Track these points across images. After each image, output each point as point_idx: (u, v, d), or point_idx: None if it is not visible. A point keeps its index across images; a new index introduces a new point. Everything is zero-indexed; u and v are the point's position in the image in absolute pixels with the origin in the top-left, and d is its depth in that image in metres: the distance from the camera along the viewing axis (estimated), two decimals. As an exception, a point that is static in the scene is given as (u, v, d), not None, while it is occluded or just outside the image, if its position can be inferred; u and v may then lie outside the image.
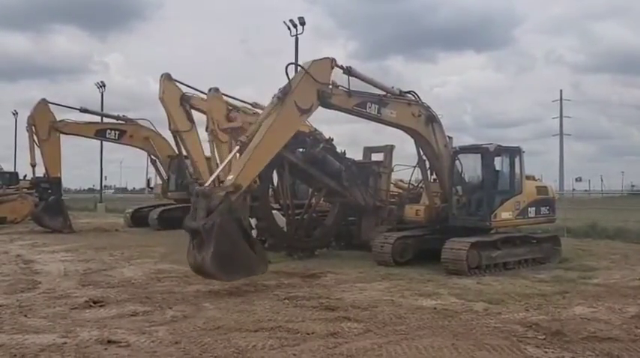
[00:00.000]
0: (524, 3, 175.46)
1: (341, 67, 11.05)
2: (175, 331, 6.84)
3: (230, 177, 9.40)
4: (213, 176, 9.70)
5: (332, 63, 10.79)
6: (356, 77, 11.32)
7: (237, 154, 10.30)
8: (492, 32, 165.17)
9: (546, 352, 6.05)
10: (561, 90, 75.77)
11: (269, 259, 10.35)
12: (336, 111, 11.24)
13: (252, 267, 9.36)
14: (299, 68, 10.56)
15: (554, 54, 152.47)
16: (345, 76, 11.14)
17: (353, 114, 11.54)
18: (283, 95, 10.09)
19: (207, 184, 9.33)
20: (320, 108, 10.74)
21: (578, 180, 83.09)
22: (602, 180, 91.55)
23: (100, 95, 44.75)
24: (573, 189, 65.67)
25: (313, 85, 10.41)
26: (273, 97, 10.39)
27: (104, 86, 44.94)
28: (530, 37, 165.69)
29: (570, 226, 20.07)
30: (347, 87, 11.05)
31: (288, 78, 10.19)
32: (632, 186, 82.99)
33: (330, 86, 10.77)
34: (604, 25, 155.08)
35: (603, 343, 6.33)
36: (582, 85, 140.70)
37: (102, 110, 36.35)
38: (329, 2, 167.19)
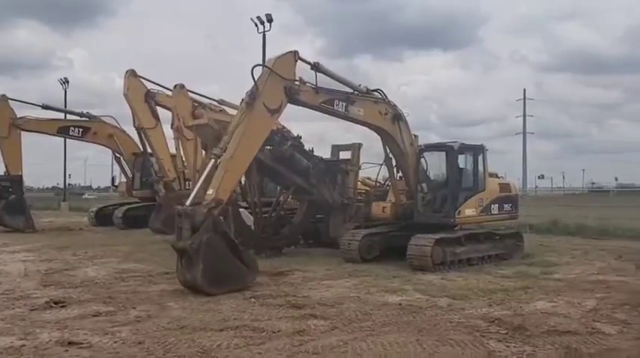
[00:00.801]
0: (489, 3, 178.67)
1: (307, 62, 11.05)
2: (139, 331, 6.74)
3: (210, 192, 9.47)
4: (193, 194, 9.63)
5: (295, 56, 10.75)
6: (323, 73, 11.32)
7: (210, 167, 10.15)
8: (458, 32, 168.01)
9: (508, 346, 6.16)
10: (525, 90, 76.82)
11: None
12: (306, 110, 11.25)
13: (243, 278, 9.48)
14: (264, 68, 10.50)
15: (518, 54, 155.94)
16: (313, 73, 11.12)
17: (320, 112, 11.55)
18: (251, 99, 10.03)
19: (187, 203, 9.37)
20: (288, 105, 10.72)
21: (541, 177, 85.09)
22: (563, 178, 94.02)
23: (63, 92, 43.65)
24: (536, 187, 67.22)
25: (280, 82, 10.37)
26: (241, 103, 10.36)
27: (67, 82, 43.78)
28: (495, 37, 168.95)
29: (533, 223, 20.52)
30: (314, 83, 11.06)
31: (254, 80, 10.12)
32: (593, 183, 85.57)
33: (297, 82, 10.76)
34: (566, 26, 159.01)
35: (563, 336, 6.48)
36: (545, 85, 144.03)
37: (65, 107, 35.62)
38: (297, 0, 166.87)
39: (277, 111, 10.51)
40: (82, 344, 6.16)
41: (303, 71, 10.99)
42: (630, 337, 6.51)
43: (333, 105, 11.41)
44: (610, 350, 6.04)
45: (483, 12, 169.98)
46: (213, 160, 10.08)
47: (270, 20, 26.98)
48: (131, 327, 6.91)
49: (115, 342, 6.27)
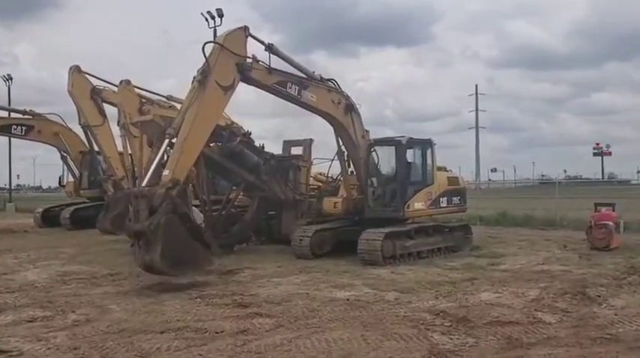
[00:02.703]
0: (442, 1, 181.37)
1: (261, 42, 11.00)
2: (75, 336, 6.47)
3: (166, 172, 9.33)
4: (148, 175, 9.38)
5: (246, 32, 10.63)
6: (277, 55, 11.26)
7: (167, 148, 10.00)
8: (412, 28, 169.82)
9: (451, 338, 6.19)
10: (477, 85, 78.92)
11: None
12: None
13: (203, 260, 9.40)
14: (214, 45, 10.30)
15: (469, 50, 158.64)
16: (267, 55, 11.05)
17: (273, 93, 11.45)
18: (203, 77, 9.86)
19: (143, 184, 9.15)
20: (241, 88, 10.62)
21: (494, 170, 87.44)
22: (515, 171, 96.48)
23: (6, 88, 41.94)
24: (489, 180, 68.77)
25: (231, 58, 10.26)
26: (192, 82, 10.14)
27: (11, 79, 42.11)
28: (447, 34, 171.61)
29: (483, 215, 20.94)
30: (268, 64, 10.96)
31: (205, 57, 9.95)
32: (542, 175, 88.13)
33: (250, 60, 10.63)
34: (515, 22, 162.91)
35: (505, 327, 6.56)
36: (496, 80, 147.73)
37: (9, 104, 34.29)
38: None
39: (230, 88, 10.39)
40: (11, 352, 5.86)
41: (256, 50, 10.96)
42: (569, 325, 6.64)
43: (285, 87, 11.33)
44: (549, 338, 6.14)
45: (436, 9, 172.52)
46: (167, 140, 9.85)
47: (220, 15, 26.57)
48: (67, 332, 6.63)
49: (49, 348, 6.00)
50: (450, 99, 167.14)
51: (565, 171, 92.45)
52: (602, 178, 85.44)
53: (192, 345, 6.04)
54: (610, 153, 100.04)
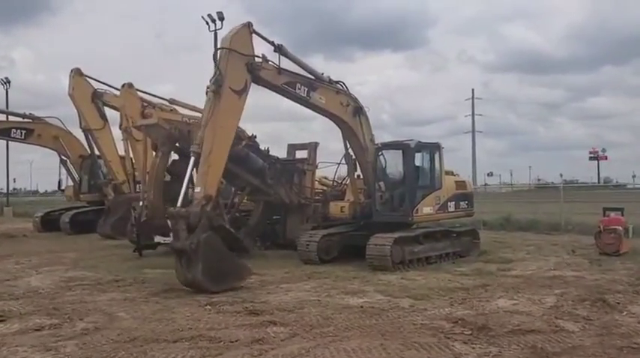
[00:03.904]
0: (437, 5, 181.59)
1: (266, 39, 10.91)
2: (86, 345, 6.26)
3: (197, 190, 9.56)
4: (182, 195, 9.62)
5: (250, 28, 10.48)
6: (286, 56, 11.14)
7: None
8: (407, 33, 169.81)
9: (474, 348, 6.02)
10: (473, 89, 79.19)
11: None
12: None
13: (241, 273, 9.71)
14: (222, 50, 10.15)
15: (465, 54, 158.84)
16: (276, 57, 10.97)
17: (281, 94, 11.34)
18: (217, 86, 9.77)
19: (179, 204, 9.46)
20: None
21: (490, 174, 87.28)
22: (511, 175, 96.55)
23: (4, 92, 41.58)
24: (485, 184, 68.66)
25: (240, 60, 10.14)
26: (207, 92, 10.04)
27: (9, 82, 41.75)
28: (443, 38, 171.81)
29: (486, 219, 20.78)
30: (278, 64, 10.90)
31: (216, 65, 9.86)
32: (539, 179, 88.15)
33: (260, 60, 10.54)
34: (511, 27, 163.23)
35: (527, 335, 6.40)
36: (492, 84, 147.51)
37: (7, 108, 34.01)
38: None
39: (244, 91, 10.28)
40: (21, 363, 5.67)
41: (267, 54, 10.88)
42: (593, 333, 6.48)
43: (295, 88, 11.25)
44: (574, 347, 5.98)
45: (432, 14, 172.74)
46: (193, 158, 9.83)
47: (221, 18, 26.37)
48: (77, 341, 6.43)
49: (60, 359, 5.80)
50: (446, 103, 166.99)
51: (561, 175, 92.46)
52: (598, 182, 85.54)
53: (207, 355, 5.85)
54: (606, 158, 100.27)
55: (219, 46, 10.30)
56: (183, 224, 9.17)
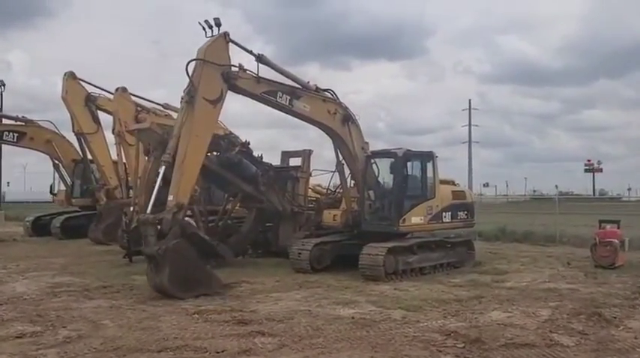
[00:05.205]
0: (434, 15, 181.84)
1: (249, 51, 10.86)
2: (67, 354, 6.09)
3: (170, 198, 9.51)
4: (151, 202, 9.57)
5: (226, 39, 10.39)
6: (267, 65, 11.05)
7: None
8: (404, 42, 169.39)
9: (466, 361, 5.87)
10: (470, 100, 79.14)
11: None
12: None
13: (210, 283, 9.72)
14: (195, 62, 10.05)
15: (461, 64, 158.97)
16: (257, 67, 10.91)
17: (262, 102, 11.23)
18: (190, 97, 9.73)
19: (148, 211, 9.47)
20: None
21: (486, 185, 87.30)
22: (507, 186, 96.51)
23: (-1, 95, 41.33)
24: (481, 194, 68.64)
25: (216, 70, 10.07)
26: (181, 102, 10.06)
27: (4, 85, 41.51)
28: (440, 48, 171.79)
29: (481, 230, 20.62)
30: (257, 73, 10.80)
31: (189, 75, 9.78)
32: (534, 191, 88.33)
33: (237, 69, 10.42)
34: (506, 38, 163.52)
35: (521, 349, 6.25)
36: (488, 95, 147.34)
37: (1, 111, 33.80)
38: (245, 7, 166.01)
39: (219, 100, 10.21)
40: (-2, 371, 5.48)
41: (248, 64, 10.83)
42: (588, 348, 6.33)
43: (275, 97, 11.12)
44: (569, 363, 5.84)
45: (428, 23, 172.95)
46: (164, 167, 9.79)
47: (218, 25, 26.33)
48: (58, 349, 6.25)
49: (38, 368, 5.62)
50: (442, 113, 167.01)
51: (557, 187, 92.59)
52: (594, 194, 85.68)
53: (192, 366, 5.67)
54: (601, 170, 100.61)
55: (194, 57, 10.18)
56: (152, 230, 9.29)
